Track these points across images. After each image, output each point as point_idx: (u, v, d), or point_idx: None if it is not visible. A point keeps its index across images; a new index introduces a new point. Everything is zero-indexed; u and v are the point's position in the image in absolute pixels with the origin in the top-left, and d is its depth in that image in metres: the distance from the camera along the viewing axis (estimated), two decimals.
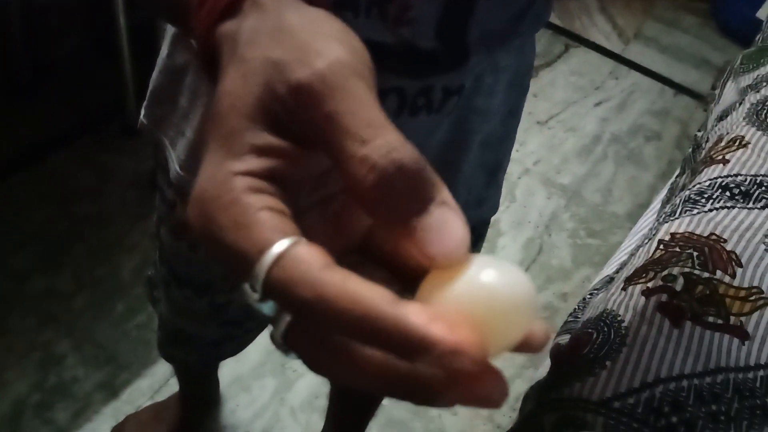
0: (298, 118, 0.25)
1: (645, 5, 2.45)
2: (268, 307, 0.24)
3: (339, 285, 0.22)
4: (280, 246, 0.23)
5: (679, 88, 2.16)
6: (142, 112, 0.69)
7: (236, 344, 0.92)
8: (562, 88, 2.09)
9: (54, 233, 1.48)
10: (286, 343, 0.24)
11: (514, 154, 2.01)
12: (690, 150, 1.15)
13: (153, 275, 0.90)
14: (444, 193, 0.24)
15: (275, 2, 0.28)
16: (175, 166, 0.65)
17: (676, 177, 1.18)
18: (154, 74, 0.65)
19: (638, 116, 2.04)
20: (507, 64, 0.61)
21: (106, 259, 1.45)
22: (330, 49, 0.25)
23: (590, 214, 1.76)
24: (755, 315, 0.71)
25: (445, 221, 0.24)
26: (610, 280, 0.94)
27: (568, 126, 1.98)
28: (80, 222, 1.50)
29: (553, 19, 2.31)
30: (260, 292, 0.23)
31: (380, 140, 0.24)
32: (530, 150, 1.89)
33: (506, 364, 1.44)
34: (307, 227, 0.26)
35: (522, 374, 1.43)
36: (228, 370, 1.32)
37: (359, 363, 0.23)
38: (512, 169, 1.82)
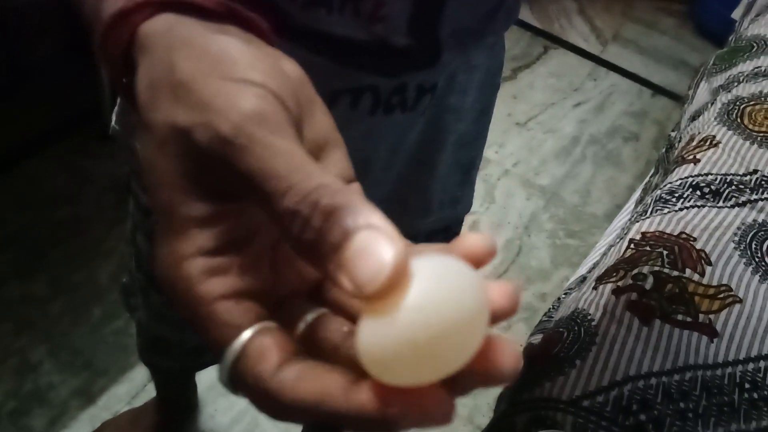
0: (221, 181, 0.25)
1: (623, 7, 2.47)
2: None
3: (292, 389, 0.22)
4: (236, 347, 0.23)
5: (657, 89, 2.17)
6: (113, 118, 0.68)
7: None
8: (541, 90, 2.10)
9: (30, 238, 1.46)
10: (232, 386, 0.25)
11: (493, 156, 2.01)
12: (664, 150, 1.16)
13: (128, 282, 0.89)
14: (371, 217, 0.22)
15: (163, 41, 0.27)
16: None
17: (651, 177, 1.19)
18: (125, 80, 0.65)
19: (616, 117, 2.06)
20: (479, 63, 0.61)
21: (84, 264, 1.44)
22: (231, 104, 0.24)
23: (569, 214, 1.77)
24: (724, 312, 0.72)
25: (366, 245, 0.21)
26: (584, 279, 0.94)
27: (547, 127, 1.99)
28: (57, 227, 1.48)
29: (532, 21, 2.32)
30: (231, 389, 0.24)
31: (296, 188, 0.23)
32: (509, 151, 1.90)
33: None
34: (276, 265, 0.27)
35: None
36: (206, 374, 1.31)
37: (297, 411, 0.23)
38: (492, 171, 1.83)
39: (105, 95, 1.56)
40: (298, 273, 0.28)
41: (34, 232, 1.47)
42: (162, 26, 0.27)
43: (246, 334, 0.23)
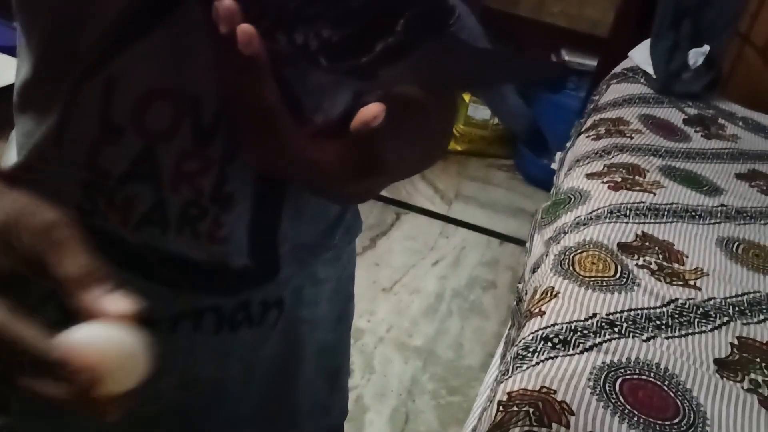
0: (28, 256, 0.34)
1: (459, 167, 2.71)
2: None
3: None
4: None
5: (503, 238, 2.36)
6: None
7: None
8: (399, 254, 2.21)
9: None
10: None
11: (365, 325, 2.03)
12: (515, 303, 1.25)
13: None
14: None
15: None
16: None
17: (509, 329, 1.26)
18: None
19: (472, 269, 2.19)
20: (326, 276, 0.62)
21: None
22: (44, 209, 0.35)
23: (447, 371, 1.82)
24: None
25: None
26: None
27: (411, 288, 2.08)
28: None
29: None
30: None
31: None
32: (380, 318, 1.95)
33: None
34: None
35: None
36: None
37: None
38: (367, 340, 1.86)
39: None
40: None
41: None
42: None
43: None
